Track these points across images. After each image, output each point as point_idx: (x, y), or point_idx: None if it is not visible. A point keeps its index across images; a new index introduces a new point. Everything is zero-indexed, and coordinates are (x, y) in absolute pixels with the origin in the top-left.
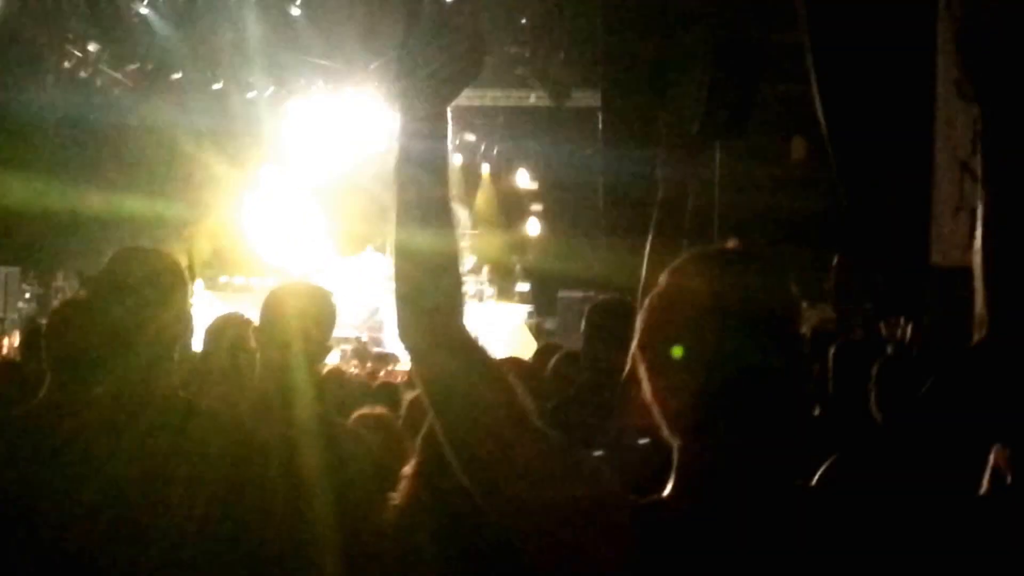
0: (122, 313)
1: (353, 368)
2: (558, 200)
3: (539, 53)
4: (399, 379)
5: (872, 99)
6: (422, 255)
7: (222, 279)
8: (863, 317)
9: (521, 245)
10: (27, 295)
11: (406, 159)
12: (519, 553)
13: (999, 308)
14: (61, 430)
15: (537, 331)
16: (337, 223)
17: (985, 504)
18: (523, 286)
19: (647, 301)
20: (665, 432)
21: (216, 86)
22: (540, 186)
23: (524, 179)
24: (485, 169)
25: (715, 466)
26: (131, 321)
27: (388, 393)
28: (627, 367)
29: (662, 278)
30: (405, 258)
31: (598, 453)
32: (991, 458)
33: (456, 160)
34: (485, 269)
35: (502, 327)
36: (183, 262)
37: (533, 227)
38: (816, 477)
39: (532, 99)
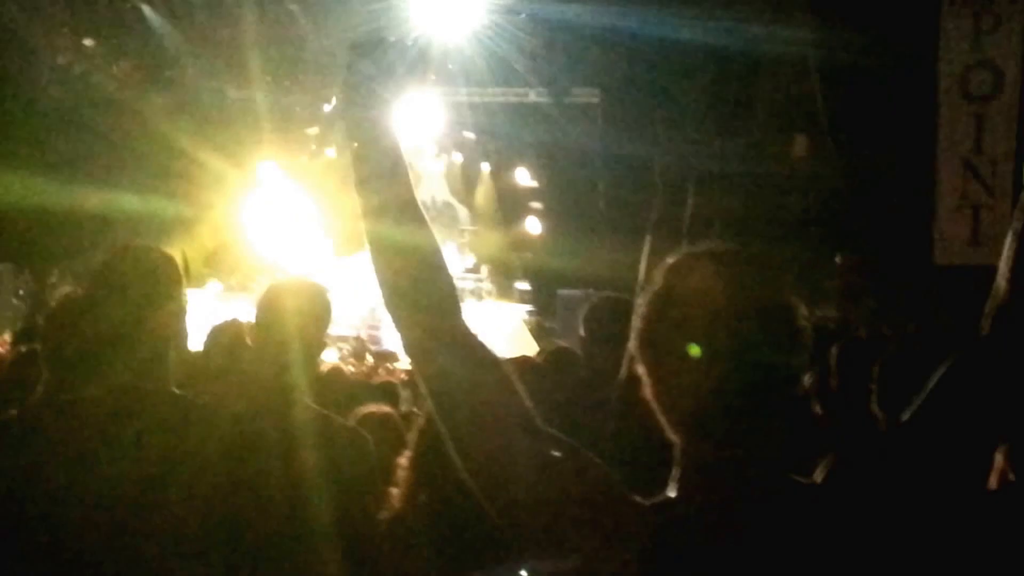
0: (119, 310)
1: (351, 367)
2: (558, 198)
3: (539, 50)
4: (398, 377)
5: (875, 97)
6: (409, 253)
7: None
8: (866, 315)
9: (521, 243)
10: (21, 292)
11: (358, 162)
12: (518, 550)
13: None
14: (58, 428)
15: (537, 330)
16: (334, 222)
17: (987, 502)
18: (523, 284)
19: (646, 299)
20: (667, 431)
21: (213, 83)
22: (540, 184)
23: (524, 177)
24: (484, 167)
25: (718, 465)
26: (128, 318)
27: (387, 391)
28: (625, 366)
29: (659, 276)
30: (401, 256)
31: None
32: (997, 457)
33: (456, 158)
34: (484, 268)
35: (501, 326)
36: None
37: (533, 225)
38: (818, 475)
39: (532, 96)
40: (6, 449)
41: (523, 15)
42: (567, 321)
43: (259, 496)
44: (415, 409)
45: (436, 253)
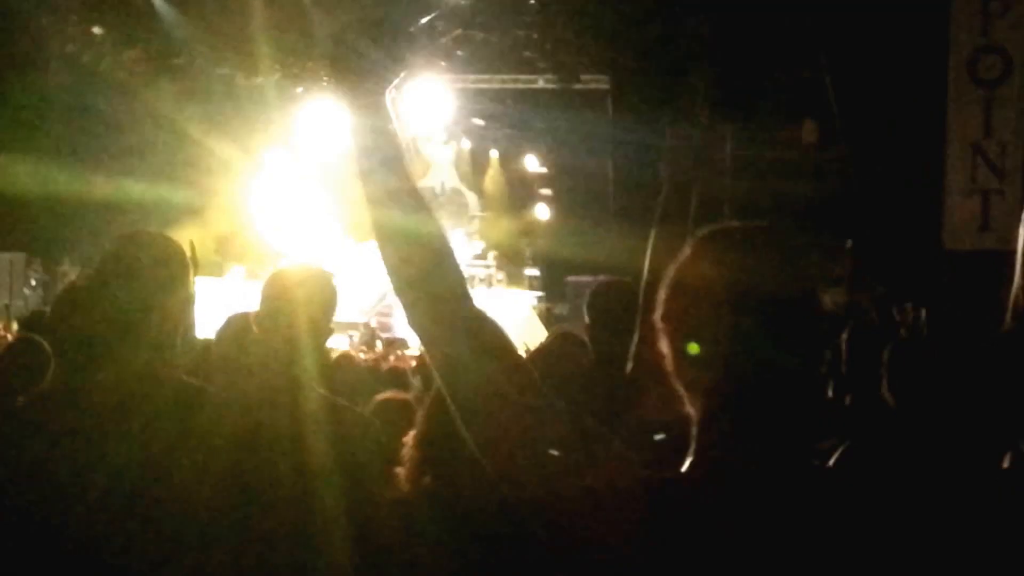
0: (127, 298)
1: (362, 353)
2: (567, 184)
3: (548, 36)
4: (407, 364)
5: (884, 83)
6: (415, 241)
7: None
8: (876, 301)
9: (530, 230)
10: (32, 281)
11: (358, 152)
12: (530, 532)
13: None
14: (67, 415)
15: (546, 316)
16: (344, 209)
17: (996, 486)
18: (532, 271)
19: (669, 276)
20: (686, 407)
21: (222, 71)
22: (549, 170)
23: (533, 163)
24: (493, 154)
25: (734, 444)
26: (137, 306)
27: (397, 378)
28: (632, 350)
29: (685, 252)
30: (408, 244)
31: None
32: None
33: (465, 144)
34: (493, 254)
35: (511, 313)
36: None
37: (542, 211)
38: (830, 458)
39: (541, 83)
40: (15, 436)
41: (532, 0)
42: (577, 307)
43: (268, 483)
44: (426, 397)
45: (442, 240)
